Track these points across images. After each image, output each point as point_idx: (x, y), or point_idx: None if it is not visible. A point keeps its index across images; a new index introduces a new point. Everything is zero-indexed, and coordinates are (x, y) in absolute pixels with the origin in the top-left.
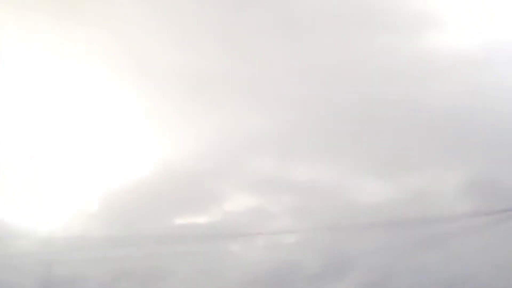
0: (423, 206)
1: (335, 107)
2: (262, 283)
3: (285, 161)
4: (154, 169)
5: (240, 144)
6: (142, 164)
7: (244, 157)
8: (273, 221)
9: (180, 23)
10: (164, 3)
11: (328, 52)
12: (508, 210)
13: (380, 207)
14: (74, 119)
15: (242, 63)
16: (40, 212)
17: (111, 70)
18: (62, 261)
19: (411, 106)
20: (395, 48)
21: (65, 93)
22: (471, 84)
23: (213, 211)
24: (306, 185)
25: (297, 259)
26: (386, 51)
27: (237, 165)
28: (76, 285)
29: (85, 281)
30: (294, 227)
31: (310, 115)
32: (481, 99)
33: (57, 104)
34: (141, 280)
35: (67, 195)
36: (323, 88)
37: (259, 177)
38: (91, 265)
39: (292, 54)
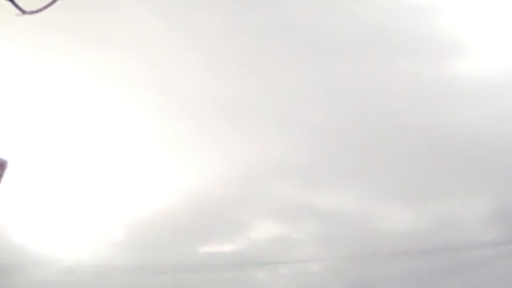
0: (448, 234)
1: (359, 134)
2: None
3: (309, 188)
4: (178, 197)
5: (265, 172)
6: (166, 192)
7: (269, 185)
8: (298, 249)
9: (206, 48)
10: (191, 27)
11: (352, 78)
12: None
13: (404, 235)
14: (98, 145)
15: (267, 89)
16: (65, 240)
17: (135, 95)
18: None
19: (436, 132)
20: (419, 73)
21: (89, 117)
22: (495, 109)
23: (238, 239)
24: (330, 212)
25: (322, 286)
26: (410, 76)
27: (262, 193)
28: None
29: None
30: (319, 255)
31: (334, 142)
32: (507, 125)
33: (80, 129)
34: None
35: (92, 223)
36: (347, 114)
37: (284, 205)
38: None
39: (316, 80)
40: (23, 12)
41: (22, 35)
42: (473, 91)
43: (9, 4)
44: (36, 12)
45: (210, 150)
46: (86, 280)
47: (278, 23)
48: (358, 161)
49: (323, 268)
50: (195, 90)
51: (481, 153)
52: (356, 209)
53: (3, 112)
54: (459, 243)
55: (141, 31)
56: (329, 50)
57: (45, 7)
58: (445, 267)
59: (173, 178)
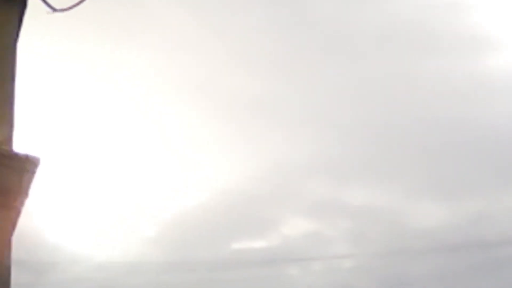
0: (481, 230)
1: (391, 131)
2: None
3: (341, 185)
4: (210, 194)
5: (297, 169)
6: (199, 190)
7: (301, 182)
8: (330, 246)
9: (240, 47)
10: (225, 27)
11: (384, 76)
12: None
13: (437, 231)
14: (131, 143)
15: (299, 88)
16: (98, 237)
17: (168, 93)
18: (120, 286)
19: (468, 127)
20: (451, 70)
21: (123, 114)
22: None
23: (270, 235)
24: (362, 209)
25: (353, 283)
26: (442, 73)
27: (294, 190)
28: None
29: None
30: (351, 252)
31: (366, 139)
32: None
33: (114, 126)
34: None
35: (125, 220)
36: (379, 111)
37: (315, 202)
38: None
39: (348, 78)
40: (54, 10)
41: (53, 33)
42: (506, 87)
43: (40, 2)
44: (66, 9)
45: (242, 148)
46: (119, 277)
47: (310, 23)
48: (389, 158)
49: (355, 264)
50: (228, 89)
51: None
52: (388, 206)
53: (36, 109)
54: (493, 239)
55: (175, 29)
56: (361, 49)
57: (76, 5)
58: (479, 264)
59: (205, 176)
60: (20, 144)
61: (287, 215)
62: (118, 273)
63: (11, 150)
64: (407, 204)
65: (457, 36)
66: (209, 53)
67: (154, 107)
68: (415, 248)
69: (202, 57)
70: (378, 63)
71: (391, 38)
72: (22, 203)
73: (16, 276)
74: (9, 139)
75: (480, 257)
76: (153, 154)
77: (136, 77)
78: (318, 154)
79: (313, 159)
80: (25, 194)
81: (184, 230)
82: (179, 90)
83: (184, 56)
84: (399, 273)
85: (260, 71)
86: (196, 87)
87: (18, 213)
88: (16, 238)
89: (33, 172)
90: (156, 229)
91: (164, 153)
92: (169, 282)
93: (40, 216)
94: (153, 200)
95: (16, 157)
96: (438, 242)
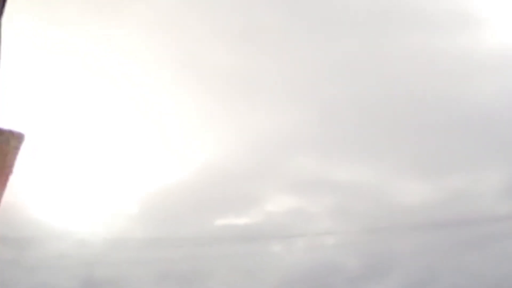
0: (463, 207)
1: (375, 108)
2: (302, 285)
3: (325, 162)
4: (194, 170)
5: (281, 145)
6: (181, 166)
7: (285, 158)
8: (314, 222)
9: (221, 24)
10: (206, 5)
11: (367, 52)
12: None
13: (420, 208)
14: (114, 119)
15: (283, 65)
16: (80, 213)
17: (151, 70)
18: (102, 263)
19: (451, 105)
20: (434, 47)
21: (106, 90)
22: (510, 84)
23: (254, 212)
24: (346, 186)
25: (337, 260)
26: (425, 50)
27: (278, 166)
28: (116, 286)
29: (125, 282)
30: (335, 228)
31: (350, 116)
32: None
33: (98, 104)
34: (182, 282)
35: (107, 196)
36: (362, 88)
37: (299, 178)
38: (132, 267)
39: (333, 55)
40: None
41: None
42: (488, 65)
43: None
44: None
45: (225, 124)
46: (101, 253)
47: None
48: (373, 135)
49: (338, 241)
50: (209, 65)
51: (497, 125)
52: (371, 183)
53: (21, 85)
54: (476, 216)
55: (157, 6)
56: (346, 25)
57: None
58: (461, 240)
59: (188, 152)
60: (4, 120)
61: (270, 191)
62: (101, 249)
63: None
64: (392, 180)
65: (439, 11)
66: (191, 29)
67: (134, 84)
68: (399, 225)
69: (184, 33)
70: (363, 39)
71: (373, 15)
72: (6, 179)
73: None
74: None
75: (464, 233)
76: (135, 131)
77: (118, 52)
78: (302, 130)
79: (296, 135)
80: (9, 170)
81: (166, 206)
82: (160, 67)
83: (166, 32)
84: (383, 249)
85: (244, 48)
86: (176, 63)
87: (2, 189)
88: None
89: (17, 148)
90: (139, 205)
91: (146, 129)
92: (152, 258)
93: (22, 192)
94: (136, 176)
95: (0, 132)
96: (423, 218)
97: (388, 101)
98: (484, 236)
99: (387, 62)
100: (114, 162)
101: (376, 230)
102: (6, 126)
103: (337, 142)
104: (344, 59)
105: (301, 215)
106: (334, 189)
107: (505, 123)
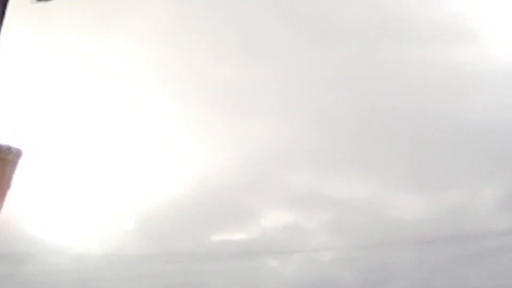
0: (460, 222)
1: (371, 121)
2: None
3: (321, 176)
4: (189, 185)
5: (277, 159)
6: (177, 181)
7: (280, 173)
8: (310, 238)
9: (216, 36)
10: (208, 18)
11: (363, 65)
12: None
13: (417, 223)
14: (108, 134)
15: (278, 77)
16: (76, 228)
17: (145, 84)
18: (98, 278)
19: (447, 119)
20: (429, 60)
21: (101, 105)
22: (506, 96)
23: (249, 227)
24: (342, 201)
25: (334, 275)
26: (420, 63)
27: (274, 181)
28: None
29: None
30: (331, 244)
31: (347, 130)
32: None
33: (92, 117)
34: None
35: (104, 211)
36: (358, 102)
37: (295, 193)
38: (127, 282)
39: (328, 67)
40: None
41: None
42: (484, 78)
43: None
44: None
45: (221, 138)
46: (97, 269)
47: (287, 10)
48: (369, 149)
49: (335, 256)
50: (205, 77)
51: (492, 140)
52: (368, 198)
53: (17, 101)
54: (472, 231)
55: (154, 18)
56: (340, 37)
57: None
58: (458, 255)
59: (184, 167)
60: (3, 136)
61: (266, 206)
62: (96, 265)
63: None
64: (388, 195)
65: (432, 25)
66: (187, 41)
67: (131, 97)
68: (396, 240)
69: (180, 46)
70: (359, 52)
71: (369, 27)
72: (4, 194)
73: None
74: None
75: (461, 248)
76: (130, 146)
77: (113, 65)
78: (298, 144)
79: (292, 150)
80: (7, 185)
81: (163, 221)
82: (155, 80)
83: (162, 45)
84: (380, 264)
85: (238, 58)
86: (172, 76)
87: (1, 203)
88: None
89: (15, 163)
90: (135, 221)
91: (141, 144)
92: (148, 273)
93: (18, 207)
94: (132, 192)
95: None
96: (419, 233)
97: (384, 115)
98: (481, 251)
99: (384, 75)
100: (110, 178)
101: (373, 245)
102: (3, 140)
103: (333, 156)
104: (341, 73)
105: (297, 230)
106: (330, 204)
107: (501, 137)
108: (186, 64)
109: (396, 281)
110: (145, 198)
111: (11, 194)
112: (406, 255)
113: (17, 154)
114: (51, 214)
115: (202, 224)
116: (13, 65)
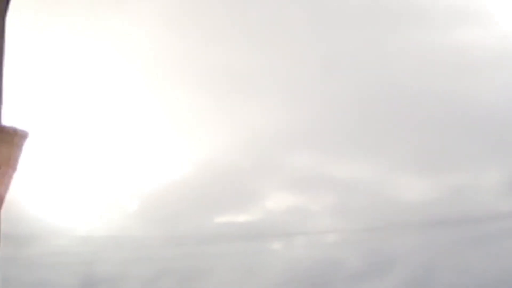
0: (463, 204)
1: (374, 104)
2: (302, 282)
3: (325, 159)
4: (193, 167)
5: (280, 142)
6: (181, 163)
7: (284, 155)
8: (314, 220)
9: (219, 25)
10: (206, 6)
11: (367, 48)
12: None
13: (420, 205)
14: (113, 118)
15: (282, 60)
16: (80, 211)
17: (147, 69)
18: (102, 260)
19: (451, 102)
20: (432, 43)
21: (105, 90)
22: (510, 79)
23: (253, 209)
24: (346, 183)
25: (338, 257)
26: (423, 46)
27: (277, 164)
28: (116, 283)
29: (125, 279)
30: (335, 226)
31: (350, 112)
32: None
33: (97, 103)
34: (181, 279)
35: (107, 194)
36: (363, 84)
37: (299, 175)
38: (131, 264)
39: (330, 50)
40: None
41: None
42: (489, 61)
43: None
44: None
45: (224, 121)
46: (101, 250)
47: None
48: (373, 131)
49: (339, 239)
50: (206, 62)
51: (497, 122)
52: (372, 180)
53: (25, 84)
54: (476, 214)
55: (156, 7)
56: (341, 22)
57: None
58: (461, 237)
59: (188, 149)
60: (8, 118)
61: (270, 188)
62: (100, 247)
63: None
64: (391, 177)
65: (443, 8)
66: (186, 27)
67: (131, 82)
68: (399, 222)
69: (179, 31)
70: (361, 35)
71: (369, 10)
72: (10, 177)
73: None
74: None
75: (464, 231)
76: (134, 130)
77: (116, 52)
78: (303, 127)
79: (296, 132)
80: (13, 167)
81: (166, 204)
82: (156, 64)
83: (163, 32)
84: (384, 247)
85: (241, 43)
86: (173, 61)
87: (6, 187)
88: None
89: (21, 146)
90: (138, 203)
91: (144, 129)
92: (151, 255)
93: (22, 189)
94: (135, 175)
95: (4, 130)
96: (423, 216)
97: (387, 98)
98: (484, 233)
99: (386, 58)
100: (113, 161)
101: (376, 227)
102: (9, 123)
103: (336, 139)
104: (343, 56)
105: (301, 213)
106: (334, 186)
107: (505, 120)
108: (190, 50)
109: (399, 262)
110: (149, 181)
111: (17, 176)
112: (409, 237)
113: (23, 136)
114: (55, 197)
115: (206, 206)
116: (20, 46)
